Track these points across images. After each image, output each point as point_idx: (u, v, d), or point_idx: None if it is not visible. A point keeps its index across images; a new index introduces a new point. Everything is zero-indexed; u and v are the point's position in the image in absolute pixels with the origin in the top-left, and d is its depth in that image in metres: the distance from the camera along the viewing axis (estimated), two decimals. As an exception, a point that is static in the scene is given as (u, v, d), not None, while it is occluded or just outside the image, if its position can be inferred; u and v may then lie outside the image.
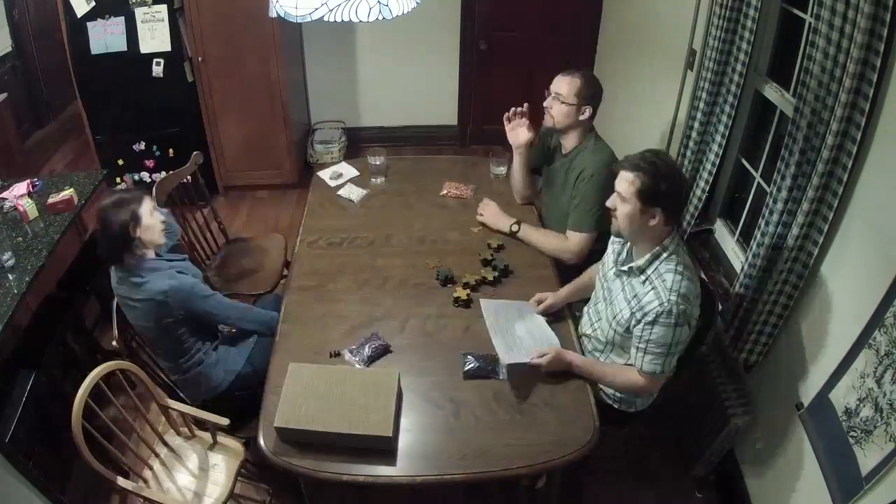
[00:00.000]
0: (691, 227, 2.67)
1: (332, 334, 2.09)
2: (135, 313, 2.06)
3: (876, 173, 1.64)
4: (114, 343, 1.96)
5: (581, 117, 2.38)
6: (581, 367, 1.95)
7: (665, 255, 1.81)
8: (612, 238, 2.03)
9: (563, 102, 2.36)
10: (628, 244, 1.95)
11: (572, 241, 2.39)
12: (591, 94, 2.37)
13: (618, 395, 2.06)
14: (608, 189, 1.88)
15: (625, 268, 1.91)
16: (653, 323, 1.78)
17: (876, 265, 1.62)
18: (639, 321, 1.83)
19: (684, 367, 2.07)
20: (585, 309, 2.18)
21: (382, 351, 2.02)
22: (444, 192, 2.81)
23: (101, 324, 3.03)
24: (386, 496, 2.42)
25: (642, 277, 1.84)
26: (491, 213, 2.59)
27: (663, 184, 1.73)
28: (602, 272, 2.07)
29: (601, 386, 2.05)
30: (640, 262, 1.85)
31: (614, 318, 1.93)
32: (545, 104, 2.42)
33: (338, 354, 2.01)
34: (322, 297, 2.25)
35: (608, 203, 1.87)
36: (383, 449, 1.73)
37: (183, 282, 2.08)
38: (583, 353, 2.06)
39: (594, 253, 2.33)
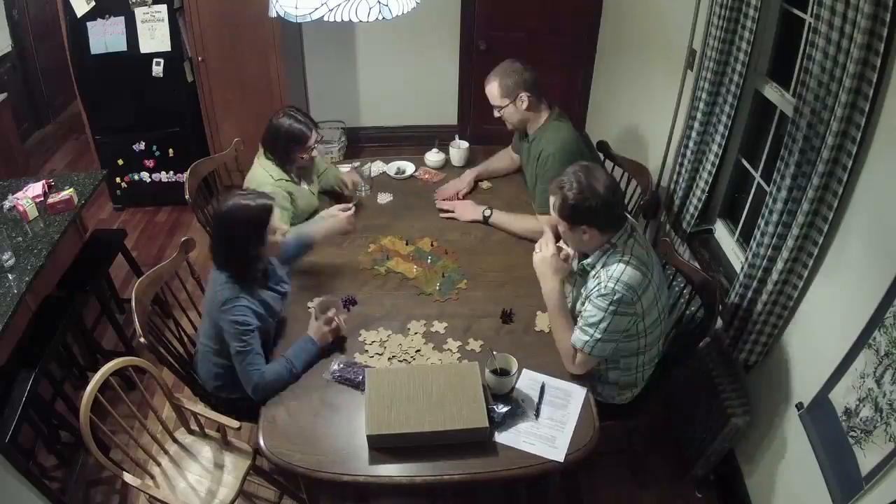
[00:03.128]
0: (691, 228, 2.67)
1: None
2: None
3: (875, 173, 1.64)
4: (140, 339, 1.94)
5: (523, 106, 2.45)
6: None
7: (612, 250, 1.86)
8: None
9: (501, 108, 2.47)
10: None
11: (542, 222, 2.45)
12: (514, 83, 2.42)
13: (598, 388, 2.06)
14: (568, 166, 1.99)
15: (578, 269, 1.98)
16: (588, 299, 1.86)
17: (876, 265, 1.62)
18: (584, 304, 1.89)
19: (681, 363, 2.08)
20: None
21: (354, 385, 1.91)
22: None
23: (100, 324, 3.03)
24: (386, 496, 2.43)
25: (592, 273, 1.90)
26: (461, 208, 2.66)
27: (582, 203, 1.78)
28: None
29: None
30: (590, 259, 1.91)
31: (580, 315, 1.95)
32: (495, 115, 2.54)
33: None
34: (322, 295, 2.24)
35: (549, 219, 1.96)
36: (480, 441, 1.73)
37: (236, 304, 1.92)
38: None
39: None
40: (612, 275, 1.81)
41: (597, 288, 1.83)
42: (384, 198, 2.81)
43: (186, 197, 2.65)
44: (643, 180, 2.75)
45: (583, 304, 1.90)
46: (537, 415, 1.82)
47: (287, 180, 2.48)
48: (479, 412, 1.73)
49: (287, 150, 2.45)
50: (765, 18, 2.25)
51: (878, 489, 1.56)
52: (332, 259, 2.43)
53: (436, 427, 1.71)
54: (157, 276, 2.16)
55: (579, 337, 1.87)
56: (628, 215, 1.92)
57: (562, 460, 1.71)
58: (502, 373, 1.85)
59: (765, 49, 2.35)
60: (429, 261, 2.40)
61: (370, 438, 1.72)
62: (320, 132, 2.55)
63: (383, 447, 1.73)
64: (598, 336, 1.83)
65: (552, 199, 1.86)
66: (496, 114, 2.52)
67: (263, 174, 2.45)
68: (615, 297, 1.79)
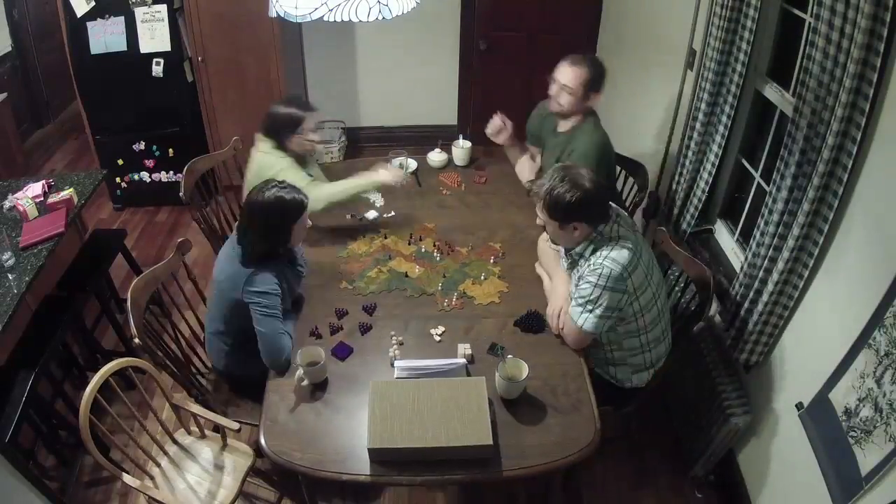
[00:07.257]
0: (691, 227, 2.67)
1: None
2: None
3: (876, 173, 1.64)
4: (136, 341, 1.94)
5: (588, 103, 2.45)
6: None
7: (599, 237, 1.94)
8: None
9: (570, 93, 2.42)
10: None
11: None
12: (598, 80, 2.43)
13: (612, 371, 2.14)
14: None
15: (569, 261, 2.06)
16: (581, 278, 1.94)
17: (876, 265, 1.62)
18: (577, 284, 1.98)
19: (678, 346, 2.15)
20: None
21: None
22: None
23: (100, 324, 3.03)
24: (386, 496, 2.42)
25: (582, 261, 1.99)
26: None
27: (572, 202, 1.85)
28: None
29: (596, 364, 2.15)
30: (579, 248, 1.98)
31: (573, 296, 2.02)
32: (551, 93, 2.48)
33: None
34: (324, 297, 2.24)
35: (538, 221, 2.01)
36: (483, 457, 1.70)
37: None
38: None
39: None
40: (602, 254, 1.91)
41: (588, 266, 1.92)
42: (371, 214, 2.69)
43: (181, 194, 2.64)
44: (640, 178, 2.75)
45: (576, 285, 1.97)
46: None
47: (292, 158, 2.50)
48: (484, 428, 1.69)
49: (284, 133, 2.45)
50: (765, 18, 2.25)
51: (878, 489, 1.56)
52: (334, 259, 2.43)
53: (439, 443, 1.67)
54: (152, 277, 2.15)
55: (573, 312, 1.96)
56: (612, 204, 1.99)
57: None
58: (512, 378, 1.85)
59: (765, 49, 2.35)
60: (432, 260, 2.40)
61: (371, 452, 1.70)
62: (321, 116, 2.55)
63: (385, 460, 1.71)
64: (594, 311, 1.91)
65: (539, 204, 1.93)
66: (555, 91, 2.44)
67: (271, 156, 2.45)
68: (605, 272, 1.87)
